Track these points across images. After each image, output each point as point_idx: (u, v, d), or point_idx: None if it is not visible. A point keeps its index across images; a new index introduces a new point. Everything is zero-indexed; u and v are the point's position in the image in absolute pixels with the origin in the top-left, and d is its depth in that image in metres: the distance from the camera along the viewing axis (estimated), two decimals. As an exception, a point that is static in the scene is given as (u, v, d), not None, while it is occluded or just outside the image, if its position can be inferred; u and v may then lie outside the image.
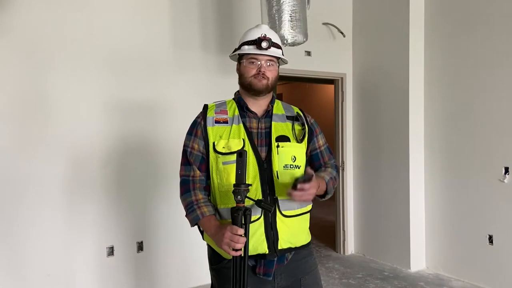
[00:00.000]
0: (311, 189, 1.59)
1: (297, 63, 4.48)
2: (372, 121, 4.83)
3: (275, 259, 1.69)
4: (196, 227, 1.85)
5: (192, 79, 4.00)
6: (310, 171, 1.64)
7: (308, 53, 4.62)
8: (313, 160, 1.86)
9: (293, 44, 3.51)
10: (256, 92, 1.75)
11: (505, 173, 3.74)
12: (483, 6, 3.90)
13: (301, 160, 1.77)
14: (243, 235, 1.50)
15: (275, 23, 3.41)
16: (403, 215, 4.45)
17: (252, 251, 1.63)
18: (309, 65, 4.66)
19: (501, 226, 3.79)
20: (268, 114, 1.79)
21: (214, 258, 1.81)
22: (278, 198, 1.67)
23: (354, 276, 4.32)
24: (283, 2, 3.39)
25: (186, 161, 1.78)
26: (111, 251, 3.63)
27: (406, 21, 4.38)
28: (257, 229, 1.64)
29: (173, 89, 3.91)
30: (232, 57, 1.87)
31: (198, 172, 1.74)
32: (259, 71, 1.72)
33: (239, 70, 1.81)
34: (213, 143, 1.71)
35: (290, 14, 3.40)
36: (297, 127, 1.80)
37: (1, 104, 3.20)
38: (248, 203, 1.54)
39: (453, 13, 4.16)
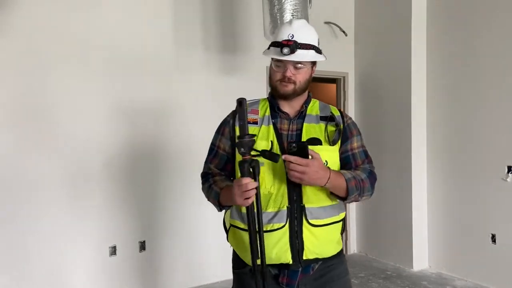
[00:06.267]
0: (301, 166, 1.44)
1: (299, 62, 4.46)
2: (374, 120, 4.82)
3: (300, 269, 1.59)
4: (222, 226, 1.79)
5: (195, 79, 4.00)
6: (313, 154, 1.48)
7: (310, 52, 4.60)
8: (343, 163, 1.68)
9: (295, 43, 3.50)
10: (282, 97, 1.64)
11: (508, 172, 3.72)
12: (486, 6, 3.89)
13: (334, 164, 1.63)
14: (253, 182, 1.42)
15: (276, 23, 3.40)
16: (406, 214, 4.43)
17: (275, 260, 1.56)
18: (311, 64, 4.64)
19: (504, 225, 3.78)
20: (301, 115, 1.67)
21: (237, 262, 1.72)
22: (306, 206, 1.57)
23: (357, 275, 4.31)
24: (284, 1, 3.38)
25: (207, 159, 1.76)
26: (113, 251, 3.64)
27: (408, 20, 4.36)
28: (281, 237, 1.55)
29: (177, 90, 3.90)
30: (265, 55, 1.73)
31: (216, 171, 1.72)
32: (284, 76, 1.60)
33: (269, 70, 1.70)
34: None
35: (292, 14, 3.39)
36: (330, 128, 1.65)
37: (6, 105, 3.21)
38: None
39: (456, 12, 4.15)
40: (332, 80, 5.14)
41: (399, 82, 4.49)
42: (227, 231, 1.73)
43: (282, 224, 1.55)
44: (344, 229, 1.72)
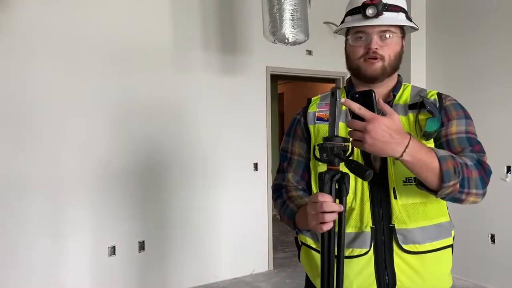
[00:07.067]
0: (361, 122, 0.99)
1: (298, 62, 4.47)
2: (374, 120, 4.81)
3: None
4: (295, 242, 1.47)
5: (194, 80, 3.99)
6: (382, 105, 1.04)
7: (309, 52, 4.61)
8: None
9: (294, 43, 3.50)
10: (368, 80, 1.29)
11: (507, 172, 3.73)
12: (486, 6, 3.89)
13: None
14: (334, 202, 1.03)
15: (276, 22, 3.40)
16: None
17: None
18: (310, 64, 4.64)
19: (503, 225, 3.78)
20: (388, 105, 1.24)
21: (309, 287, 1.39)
22: (396, 227, 1.20)
23: (356, 275, 4.30)
24: (284, 1, 3.38)
25: (280, 168, 1.43)
26: (112, 251, 3.63)
27: (408, 19, 4.37)
28: (365, 266, 1.20)
29: (175, 91, 3.90)
30: (339, 33, 1.41)
31: (293, 183, 1.38)
32: (369, 49, 1.25)
33: (345, 50, 1.37)
34: (314, 146, 1.31)
35: (291, 13, 3.39)
36: (422, 117, 1.24)
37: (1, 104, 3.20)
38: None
39: (455, 11, 4.15)
40: (331, 80, 5.14)
41: (398, 82, 4.49)
42: (298, 248, 1.40)
43: (365, 250, 1.20)
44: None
